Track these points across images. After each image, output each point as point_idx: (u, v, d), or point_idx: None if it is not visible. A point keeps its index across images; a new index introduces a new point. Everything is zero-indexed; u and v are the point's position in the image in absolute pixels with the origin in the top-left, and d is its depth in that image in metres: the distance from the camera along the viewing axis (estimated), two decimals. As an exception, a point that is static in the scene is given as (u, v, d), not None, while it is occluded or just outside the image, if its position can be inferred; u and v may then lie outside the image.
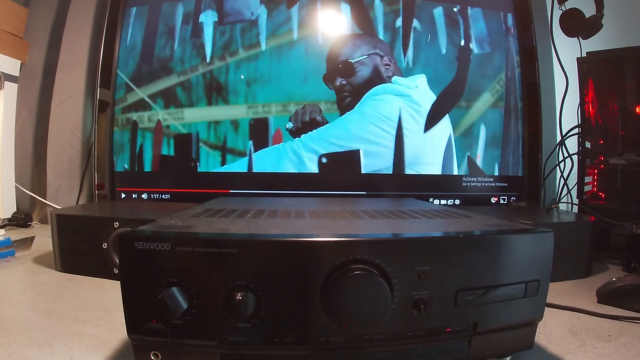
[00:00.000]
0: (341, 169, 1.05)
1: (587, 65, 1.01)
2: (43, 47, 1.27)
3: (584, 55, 1.04)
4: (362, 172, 1.05)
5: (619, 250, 0.88)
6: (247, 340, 0.36)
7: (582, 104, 1.01)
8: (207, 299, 0.36)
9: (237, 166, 1.05)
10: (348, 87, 1.06)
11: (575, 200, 1.04)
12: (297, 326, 0.36)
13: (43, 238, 0.94)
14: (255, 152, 1.05)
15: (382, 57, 1.07)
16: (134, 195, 1.07)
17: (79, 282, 0.71)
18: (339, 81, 1.06)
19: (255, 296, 0.35)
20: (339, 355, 0.38)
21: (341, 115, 1.06)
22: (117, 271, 0.71)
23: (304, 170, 1.04)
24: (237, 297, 0.34)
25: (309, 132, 1.05)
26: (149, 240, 0.35)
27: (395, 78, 1.07)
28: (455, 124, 1.08)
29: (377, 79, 1.07)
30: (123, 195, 1.07)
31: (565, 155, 1.08)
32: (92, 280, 0.72)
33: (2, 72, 1.15)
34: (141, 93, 1.08)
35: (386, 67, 1.07)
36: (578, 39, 1.07)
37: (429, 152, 1.07)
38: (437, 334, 0.39)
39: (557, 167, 1.10)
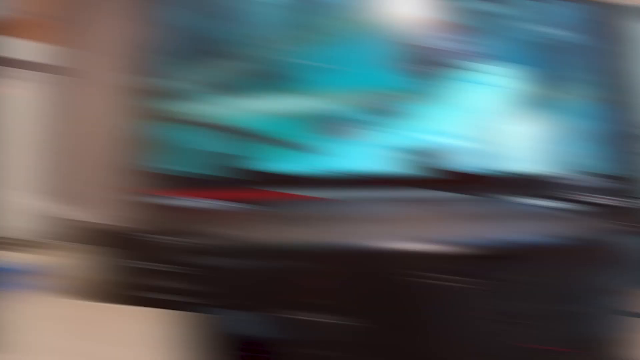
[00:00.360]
0: (428, 167, 0.96)
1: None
2: (75, 31, 1.23)
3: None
4: (451, 169, 0.96)
5: None
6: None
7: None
8: (281, 316, 0.35)
9: (307, 164, 0.97)
10: (432, 75, 0.99)
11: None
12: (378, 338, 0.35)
13: (74, 260, 0.86)
14: (327, 148, 0.97)
15: (466, 43, 1.00)
16: (178, 202, 0.99)
17: (119, 312, 0.64)
18: (421, 69, 0.99)
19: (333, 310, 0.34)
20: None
21: (425, 106, 0.98)
22: (164, 297, 0.63)
23: (384, 169, 0.95)
24: (314, 311, 0.33)
25: (390, 126, 0.97)
26: (208, 253, 0.35)
27: (482, 66, 0.99)
28: (548, 117, 0.99)
29: (461, 67, 0.99)
30: (165, 202, 0.99)
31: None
32: (133, 310, 0.64)
33: (32, 60, 1.11)
34: (186, 80, 1.01)
35: (471, 54, 1.00)
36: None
37: (523, 147, 0.99)
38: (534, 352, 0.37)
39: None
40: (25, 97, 1.11)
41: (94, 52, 1.14)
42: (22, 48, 1.10)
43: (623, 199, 1.02)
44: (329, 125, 0.97)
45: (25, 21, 1.10)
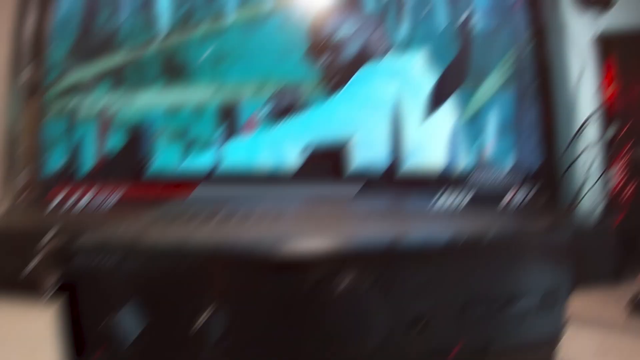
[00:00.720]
0: (328, 162, 1.00)
1: (607, 44, 0.98)
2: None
3: (602, 31, 1.02)
4: (353, 165, 1.00)
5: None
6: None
7: (603, 86, 1.00)
8: (165, 322, 0.33)
9: (202, 160, 0.99)
10: (334, 65, 1.01)
11: (601, 196, 1.01)
12: (273, 352, 0.34)
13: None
14: (224, 143, 0.99)
15: (372, 31, 1.03)
16: (70, 201, 0.98)
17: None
18: (323, 59, 1.01)
19: (223, 317, 0.32)
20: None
21: (327, 98, 1.01)
22: (49, 295, 0.65)
23: (283, 165, 0.99)
24: (202, 319, 0.32)
25: (289, 119, 0.99)
26: (92, 253, 0.33)
27: (388, 55, 1.03)
28: (460, 108, 1.04)
29: (367, 56, 1.02)
30: (56, 201, 0.98)
31: (587, 144, 1.05)
32: (15, 309, 0.66)
33: None
34: (81, 73, 1.00)
35: (378, 43, 1.03)
36: (593, 13, 1.05)
37: (431, 141, 1.04)
38: (441, 355, 0.37)
39: (578, 158, 1.07)
40: None
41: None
42: None
43: (539, 191, 1.00)
44: (230, 118, 0.99)
45: None
